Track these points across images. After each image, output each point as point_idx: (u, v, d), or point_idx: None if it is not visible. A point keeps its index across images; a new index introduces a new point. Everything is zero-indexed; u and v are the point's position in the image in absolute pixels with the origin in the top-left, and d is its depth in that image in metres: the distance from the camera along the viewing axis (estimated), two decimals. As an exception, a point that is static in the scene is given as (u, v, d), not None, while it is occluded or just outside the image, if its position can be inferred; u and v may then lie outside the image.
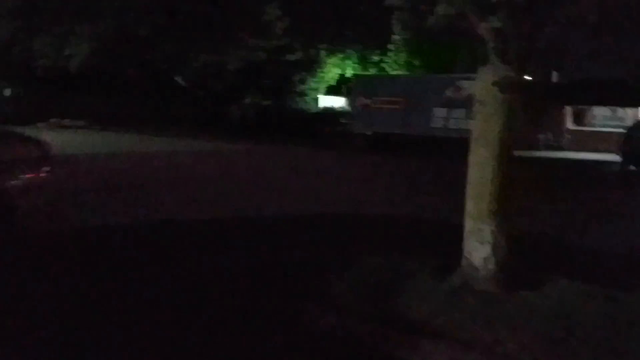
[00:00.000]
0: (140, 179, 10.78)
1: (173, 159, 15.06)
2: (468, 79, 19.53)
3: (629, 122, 24.94)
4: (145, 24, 22.41)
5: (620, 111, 25.46)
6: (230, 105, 28.72)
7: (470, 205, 4.17)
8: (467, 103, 19.30)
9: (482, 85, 4.11)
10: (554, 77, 30.21)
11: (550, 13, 3.78)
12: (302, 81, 28.99)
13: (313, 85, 29.46)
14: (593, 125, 26.19)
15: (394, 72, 26.77)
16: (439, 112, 20.59)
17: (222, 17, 24.05)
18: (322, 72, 29.29)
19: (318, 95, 30.44)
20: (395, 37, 26.35)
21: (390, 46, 27.05)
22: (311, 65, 28.51)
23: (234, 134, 24.59)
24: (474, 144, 4.18)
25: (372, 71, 29.00)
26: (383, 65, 27.99)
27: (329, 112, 28.80)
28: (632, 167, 11.89)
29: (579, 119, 26.57)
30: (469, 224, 4.18)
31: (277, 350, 3.46)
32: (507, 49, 3.83)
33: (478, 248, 4.10)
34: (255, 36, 24.86)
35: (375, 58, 29.16)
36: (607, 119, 26.05)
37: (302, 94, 29.35)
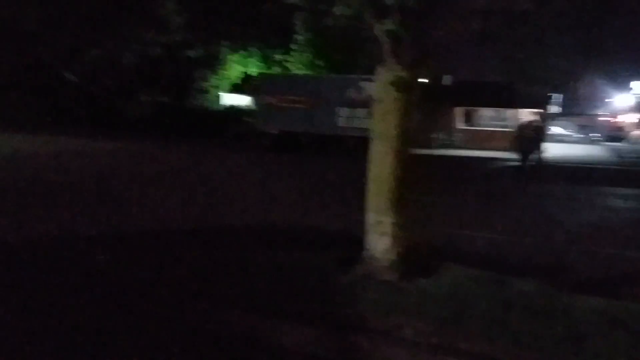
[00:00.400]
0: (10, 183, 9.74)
1: (58, 160, 13.89)
2: (369, 80, 20.26)
3: (512, 122, 27.32)
4: (31, 15, 20.70)
5: (504, 112, 27.78)
6: (125, 103, 27.31)
7: (371, 199, 4.35)
8: (369, 103, 20.01)
9: (379, 84, 4.30)
10: (446, 79, 32.27)
11: (440, 17, 4.05)
12: (204, 78, 28.34)
13: (215, 82, 28.90)
14: (480, 125, 28.34)
15: (298, 72, 27.05)
16: (343, 111, 21.12)
17: (116, 9, 22.86)
18: (224, 69, 28.83)
19: (221, 93, 29.92)
20: (299, 36, 26.65)
21: (293, 46, 27.28)
22: (213, 62, 27.95)
23: (129, 132, 23.40)
24: (373, 141, 4.36)
25: (275, 70, 29.05)
26: (287, 64, 28.16)
27: (233, 110, 28.40)
28: (532, 163, 12.94)
29: (467, 119, 28.62)
30: (370, 217, 4.36)
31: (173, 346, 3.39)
32: (401, 50, 4.04)
33: (379, 240, 4.29)
34: (152, 30, 23.90)
35: (279, 57, 29.26)
36: (492, 119, 28.31)
37: (204, 92, 28.68)
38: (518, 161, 12.99)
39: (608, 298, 4.12)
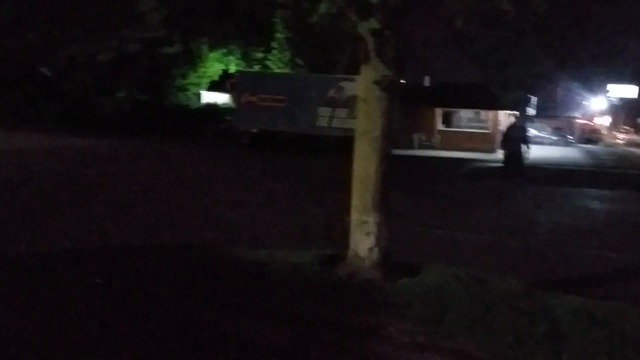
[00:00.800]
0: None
1: (28, 157, 13.52)
2: (350, 80, 20.30)
3: (490, 124, 27.70)
4: (5, 8, 20.18)
5: (482, 113, 28.12)
6: (101, 100, 26.81)
7: (355, 199, 4.33)
8: (349, 103, 20.04)
9: (363, 83, 4.29)
10: (426, 81, 32.51)
11: (423, 16, 4.06)
12: (183, 75, 28.01)
13: (195, 80, 28.58)
14: (459, 127, 28.64)
15: (278, 70, 26.93)
16: (323, 111, 21.10)
17: (93, 4, 22.44)
18: (204, 67, 28.54)
19: (200, 91, 29.59)
20: (279, 35, 26.55)
21: (274, 44, 27.16)
22: (192, 60, 27.64)
23: (104, 130, 22.99)
24: (358, 140, 4.34)
25: (255, 68, 28.87)
26: (267, 62, 28.02)
27: (212, 108, 28.14)
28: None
29: (447, 120, 28.89)
30: (354, 217, 4.34)
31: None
32: (386, 49, 4.04)
33: (363, 239, 4.28)
34: (130, 26, 23.52)
35: (259, 55, 29.09)
36: (470, 120, 28.64)
37: (183, 89, 28.35)
38: (503, 162, 13.17)
39: (588, 298, 4.18)
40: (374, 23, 3.81)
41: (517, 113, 19.74)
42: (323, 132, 20.89)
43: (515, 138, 12.83)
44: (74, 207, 7.57)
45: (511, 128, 13.54)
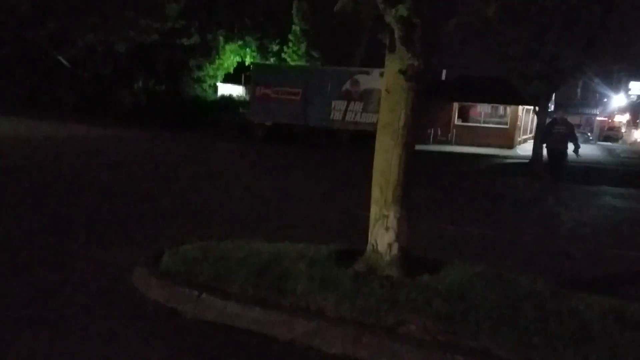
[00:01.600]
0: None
1: (44, 145, 13.62)
2: (365, 73, 20.12)
3: (509, 119, 27.34)
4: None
5: (501, 108, 27.74)
6: (119, 90, 26.95)
7: (376, 192, 4.21)
8: (364, 96, 19.87)
9: (388, 74, 4.16)
10: (442, 75, 32.13)
11: (453, 3, 3.92)
12: (199, 67, 28.03)
13: (211, 72, 28.60)
14: (476, 121, 28.31)
15: (294, 63, 26.83)
16: (338, 104, 20.95)
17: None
18: (220, 58, 28.54)
19: (216, 83, 29.63)
20: (295, 27, 26.44)
21: (290, 36, 27.07)
22: (209, 51, 27.63)
23: (122, 120, 23.10)
24: (379, 132, 4.22)
25: (271, 60, 28.81)
26: (283, 55, 27.94)
27: (228, 100, 28.17)
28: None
29: (463, 115, 28.57)
30: (374, 210, 4.23)
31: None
32: (413, 38, 3.90)
33: (383, 234, 4.16)
34: (148, 16, 23.54)
35: (275, 48, 29.02)
36: (488, 115, 28.30)
37: (200, 81, 28.38)
38: (543, 161, 12.08)
39: (615, 298, 4.04)
40: (402, 10, 3.67)
41: (537, 108, 19.30)
42: (337, 126, 20.76)
43: (556, 135, 11.01)
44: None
45: (553, 122, 11.75)
